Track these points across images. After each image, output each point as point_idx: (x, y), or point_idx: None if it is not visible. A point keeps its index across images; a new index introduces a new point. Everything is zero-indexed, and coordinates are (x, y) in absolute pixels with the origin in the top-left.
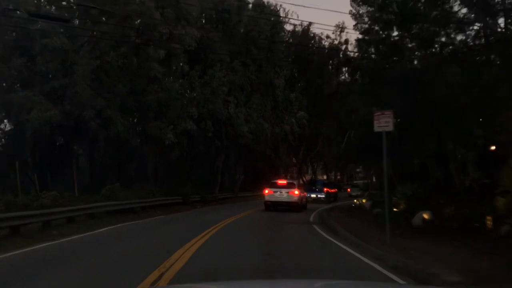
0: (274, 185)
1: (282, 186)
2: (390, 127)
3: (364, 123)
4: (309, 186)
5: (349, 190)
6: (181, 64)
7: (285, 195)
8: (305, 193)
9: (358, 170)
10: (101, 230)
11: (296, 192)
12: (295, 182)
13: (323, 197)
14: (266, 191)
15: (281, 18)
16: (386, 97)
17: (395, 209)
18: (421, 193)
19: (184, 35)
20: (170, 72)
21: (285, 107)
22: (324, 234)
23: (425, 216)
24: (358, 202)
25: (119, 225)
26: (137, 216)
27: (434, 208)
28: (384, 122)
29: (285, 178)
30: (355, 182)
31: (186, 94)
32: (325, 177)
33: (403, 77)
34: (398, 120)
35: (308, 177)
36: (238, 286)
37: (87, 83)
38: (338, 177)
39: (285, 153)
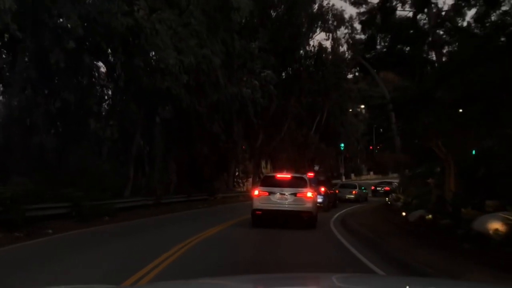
0: (270, 182)
1: (285, 183)
2: None
3: None
4: None
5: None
6: None
7: (290, 199)
8: (316, 194)
9: (316, 168)
10: None
11: (309, 194)
12: (305, 177)
13: (320, 202)
14: (256, 192)
15: None
16: None
17: None
18: None
19: None
20: None
21: (243, 62)
22: None
23: None
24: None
25: None
26: None
27: None
28: None
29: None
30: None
31: None
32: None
33: None
34: None
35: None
36: (251, 279)
37: None
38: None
39: (241, 136)
